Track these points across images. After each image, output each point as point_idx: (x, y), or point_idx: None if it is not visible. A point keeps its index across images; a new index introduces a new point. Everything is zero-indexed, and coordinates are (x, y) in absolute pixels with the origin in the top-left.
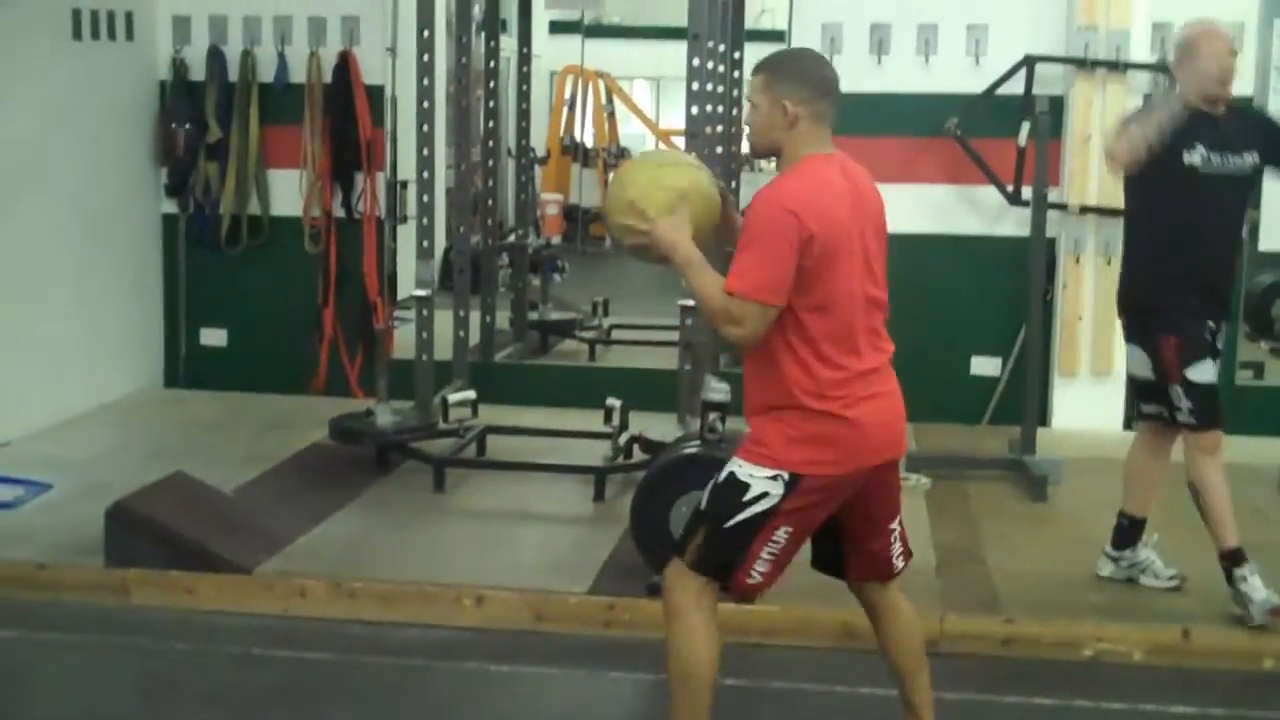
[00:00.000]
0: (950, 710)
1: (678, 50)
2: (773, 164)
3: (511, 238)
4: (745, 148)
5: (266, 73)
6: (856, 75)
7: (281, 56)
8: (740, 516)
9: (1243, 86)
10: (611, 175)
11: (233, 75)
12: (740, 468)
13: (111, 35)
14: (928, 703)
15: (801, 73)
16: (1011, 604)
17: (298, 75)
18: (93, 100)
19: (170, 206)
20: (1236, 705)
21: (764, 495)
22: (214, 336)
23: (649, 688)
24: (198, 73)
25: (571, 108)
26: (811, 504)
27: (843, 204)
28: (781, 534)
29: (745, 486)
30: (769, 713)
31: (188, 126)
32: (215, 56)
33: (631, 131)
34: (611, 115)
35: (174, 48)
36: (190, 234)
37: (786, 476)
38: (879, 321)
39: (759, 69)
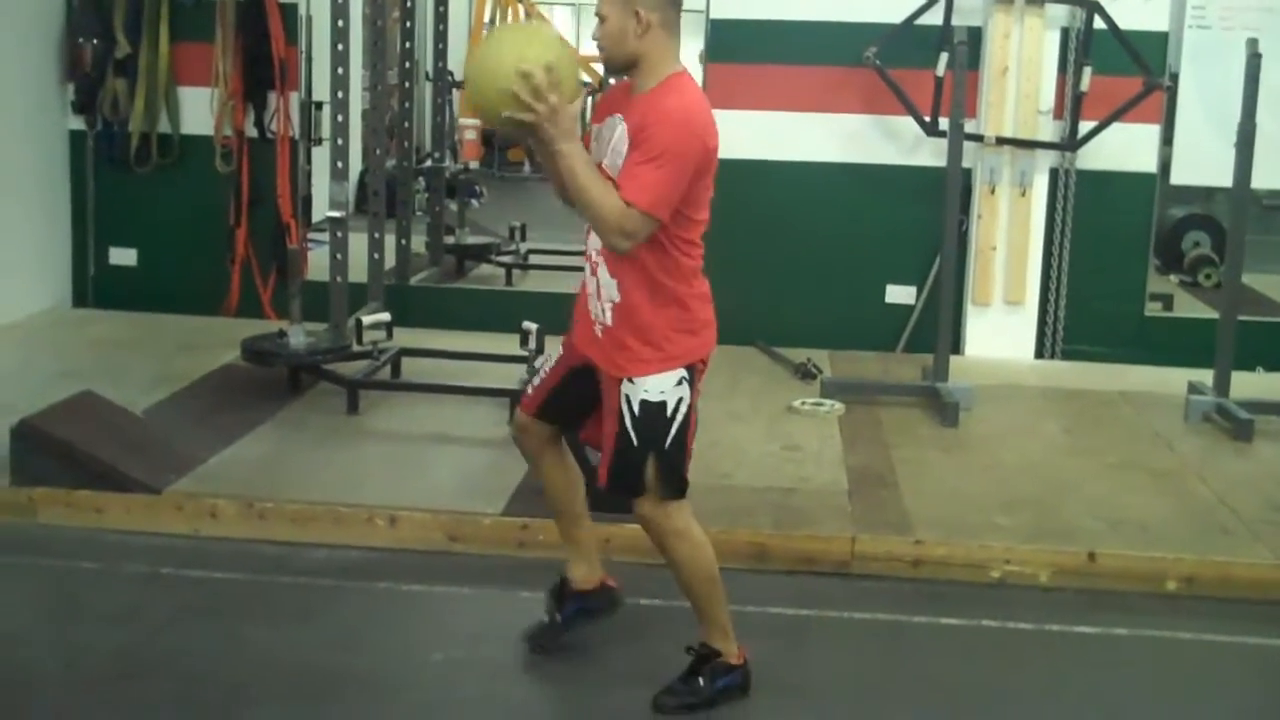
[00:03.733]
0: (860, 629)
1: None
2: None
3: (428, 162)
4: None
5: None
6: (776, 4)
7: None
8: (673, 431)
9: (1159, 21)
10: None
11: None
12: (647, 391)
13: None
14: (594, 540)
15: None
16: (921, 526)
17: None
18: None
19: (77, 124)
20: (1139, 626)
21: (680, 401)
22: (123, 256)
23: None
24: None
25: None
26: (699, 385)
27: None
28: (695, 423)
29: (662, 405)
30: (683, 633)
31: (95, 42)
32: None
33: None
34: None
35: None
36: (99, 152)
37: (686, 373)
38: None
39: None
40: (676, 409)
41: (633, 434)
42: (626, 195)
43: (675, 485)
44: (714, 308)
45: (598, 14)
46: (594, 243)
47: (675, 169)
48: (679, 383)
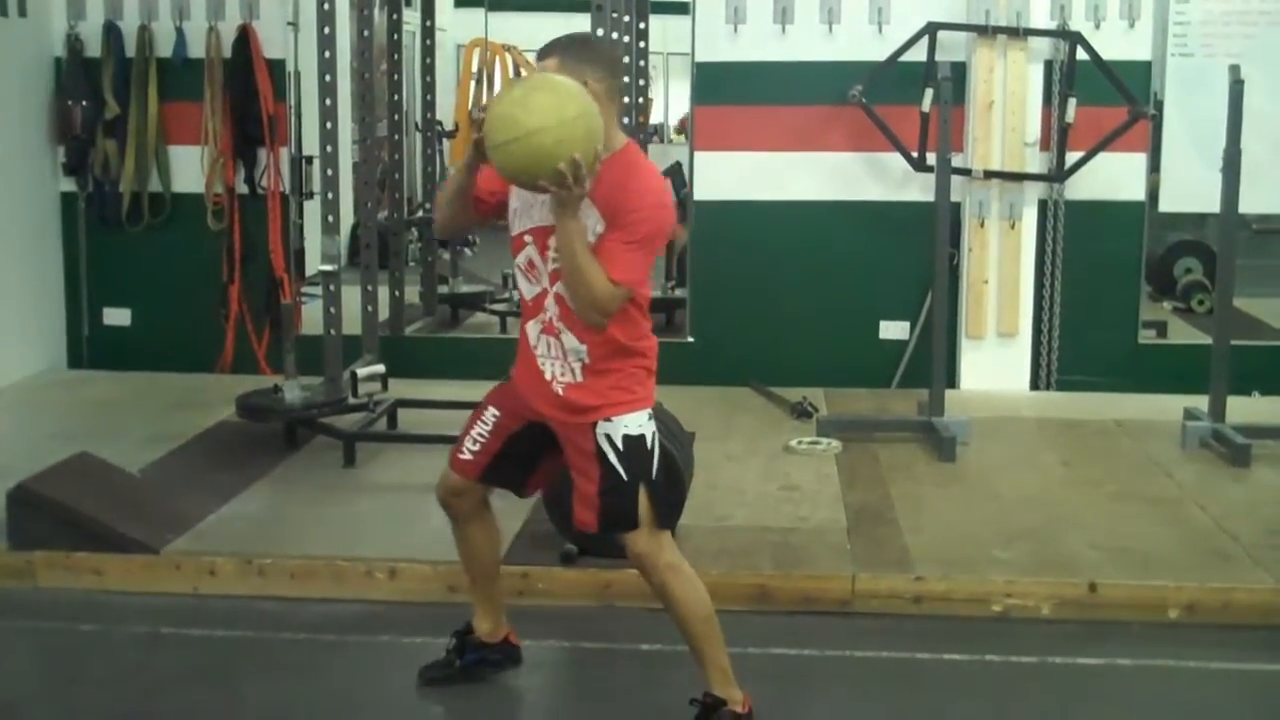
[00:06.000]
0: (863, 668)
1: (583, 22)
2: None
3: (420, 212)
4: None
5: (164, 48)
6: (761, 45)
7: (179, 31)
8: (656, 462)
9: (1141, 51)
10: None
11: (130, 51)
12: (627, 426)
13: (3, 11)
14: (503, 597)
15: (597, 52)
16: (922, 562)
17: (196, 50)
18: None
19: (69, 185)
20: (1142, 656)
21: (654, 435)
22: (117, 316)
23: (564, 655)
24: (93, 49)
25: (479, 81)
26: None
27: None
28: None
29: (642, 438)
30: (684, 676)
31: (84, 104)
32: (111, 32)
33: None
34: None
35: (69, 23)
36: (90, 212)
37: (650, 411)
38: None
39: (550, 51)
40: (653, 442)
41: (621, 470)
42: (615, 275)
43: (668, 515)
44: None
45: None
46: (551, 310)
47: (654, 247)
48: (649, 417)
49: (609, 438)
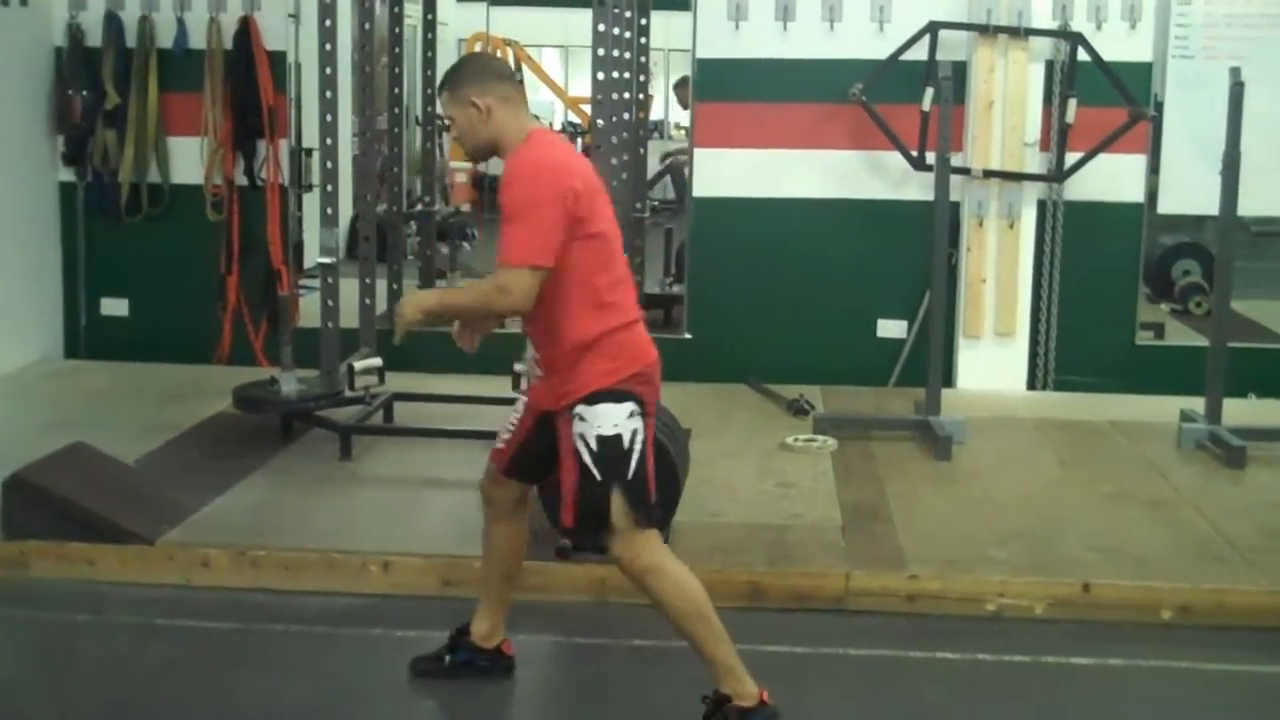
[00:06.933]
0: (856, 666)
1: (584, 18)
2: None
3: (419, 206)
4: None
5: (165, 38)
6: (762, 42)
7: (180, 22)
8: (635, 462)
9: (1142, 52)
10: None
11: (130, 41)
12: (600, 427)
13: (4, 1)
14: (508, 605)
15: (475, 71)
16: (916, 561)
17: (197, 41)
18: None
19: (68, 175)
20: (1135, 656)
21: (634, 433)
22: (115, 306)
23: (558, 650)
24: (94, 38)
25: None
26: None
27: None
28: (653, 458)
29: (618, 438)
30: (677, 673)
31: (85, 93)
32: (112, 21)
33: (541, 99)
34: (520, 83)
35: (69, 13)
36: (89, 203)
37: (635, 405)
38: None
39: (440, 91)
40: (633, 441)
41: (595, 470)
42: (498, 259)
43: (645, 513)
44: (649, 340)
45: (447, 117)
46: None
47: (534, 217)
48: (630, 415)
49: (583, 436)
